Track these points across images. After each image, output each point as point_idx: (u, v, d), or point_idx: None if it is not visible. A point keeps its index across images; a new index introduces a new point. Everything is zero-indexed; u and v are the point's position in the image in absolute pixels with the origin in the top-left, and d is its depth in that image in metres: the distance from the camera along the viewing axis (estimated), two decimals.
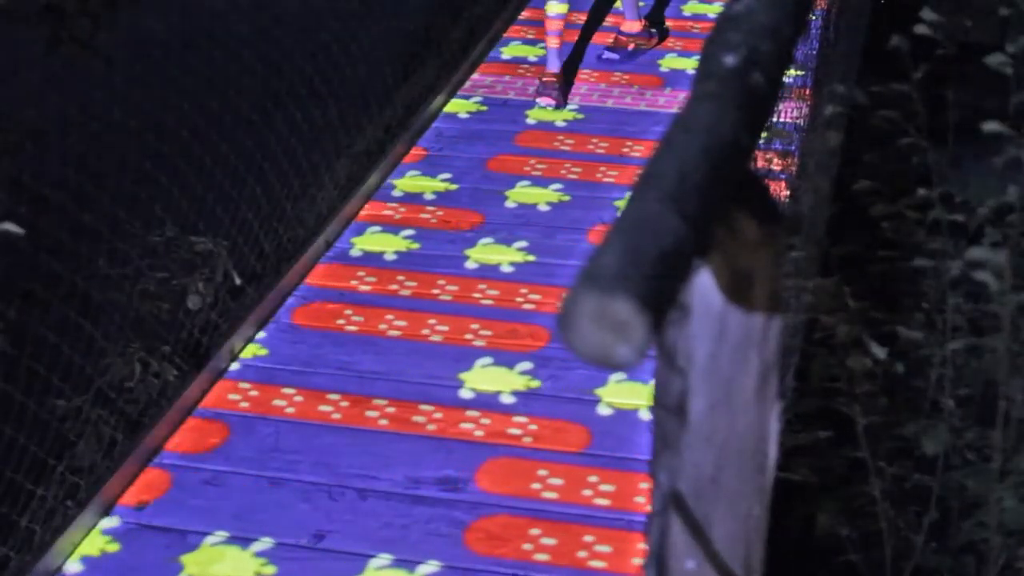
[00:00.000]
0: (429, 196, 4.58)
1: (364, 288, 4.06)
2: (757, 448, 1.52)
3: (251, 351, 3.76)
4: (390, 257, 4.22)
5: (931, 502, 2.96)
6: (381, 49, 5.04)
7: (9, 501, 3.08)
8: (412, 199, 4.56)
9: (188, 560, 3.03)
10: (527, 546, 3.07)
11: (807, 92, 4.38)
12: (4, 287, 3.45)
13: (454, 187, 4.64)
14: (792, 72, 4.35)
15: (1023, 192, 2.93)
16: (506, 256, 4.22)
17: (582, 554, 3.06)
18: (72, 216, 3.55)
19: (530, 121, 5.13)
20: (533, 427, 3.46)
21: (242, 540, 3.08)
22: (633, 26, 5.61)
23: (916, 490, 3.03)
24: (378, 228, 4.39)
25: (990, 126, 2.88)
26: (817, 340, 3.20)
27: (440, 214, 4.46)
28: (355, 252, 4.26)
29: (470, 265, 4.17)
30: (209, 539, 3.09)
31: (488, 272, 4.13)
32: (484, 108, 5.25)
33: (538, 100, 5.22)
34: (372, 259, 4.22)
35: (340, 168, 4.64)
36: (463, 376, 3.65)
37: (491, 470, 3.31)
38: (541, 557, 3.04)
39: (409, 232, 4.36)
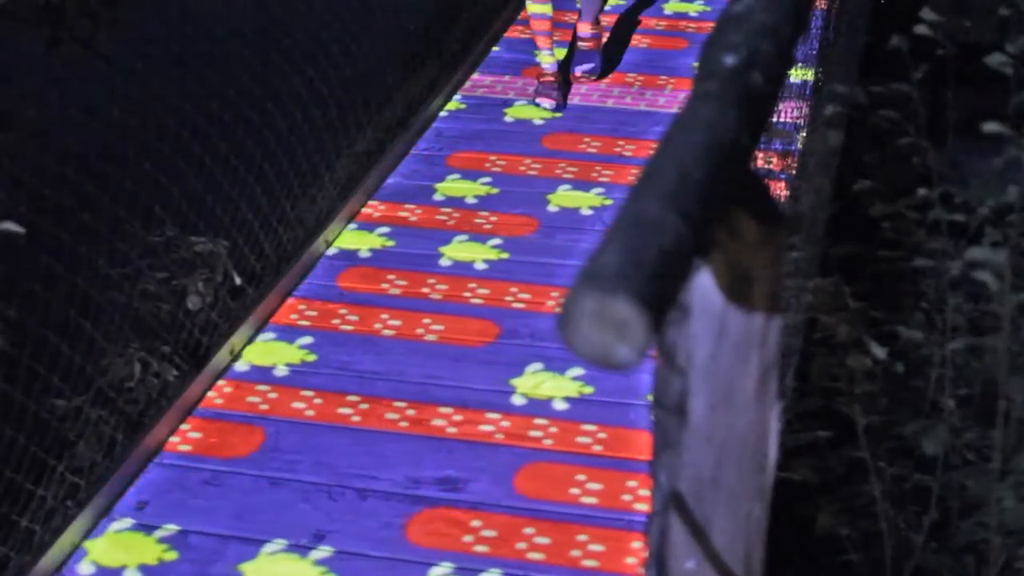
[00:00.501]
0: (471, 200, 4.56)
1: (361, 287, 4.06)
2: (757, 448, 1.52)
3: (251, 351, 3.76)
4: (364, 255, 4.22)
5: (931, 502, 2.96)
6: (381, 49, 5.04)
7: (9, 501, 3.08)
8: (456, 203, 4.53)
9: (247, 569, 3.01)
10: (521, 545, 3.08)
11: (807, 92, 4.39)
12: (4, 287, 3.44)
13: (495, 191, 4.63)
14: (807, 74, 4.36)
15: (1023, 192, 2.93)
16: (479, 254, 4.21)
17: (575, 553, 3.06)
18: (72, 216, 3.55)
19: (508, 120, 5.12)
20: (602, 435, 3.43)
21: (301, 548, 3.07)
22: (585, 27, 5.52)
23: (916, 490, 3.03)
24: (354, 225, 4.39)
25: (990, 126, 2.88)
26: (817, 340, 3.20)
27: (495, 219, 4.43)
28: (330, 250, 4.25)
29: (444, 263, 4.17)
30: (267, 547, 3.07)
31: (467, 270, 4.14)
32: (464, 106, 5.25)
33: (538, 101, 5.21)
34: (349, 256, 4.22)
35: (340, 168, 4.64)
36: (515, 382, 3.63)
37: (524, 474, 3.30)
38: (536, 556, 3.05)
39: (384, 230, 4.36)
